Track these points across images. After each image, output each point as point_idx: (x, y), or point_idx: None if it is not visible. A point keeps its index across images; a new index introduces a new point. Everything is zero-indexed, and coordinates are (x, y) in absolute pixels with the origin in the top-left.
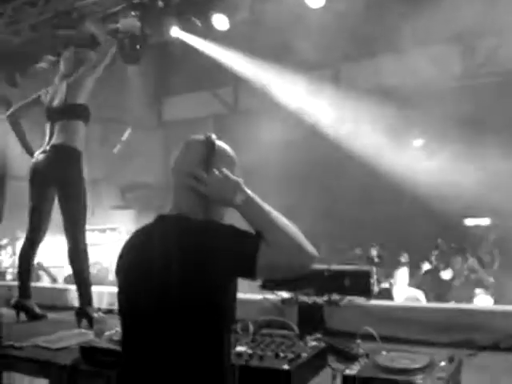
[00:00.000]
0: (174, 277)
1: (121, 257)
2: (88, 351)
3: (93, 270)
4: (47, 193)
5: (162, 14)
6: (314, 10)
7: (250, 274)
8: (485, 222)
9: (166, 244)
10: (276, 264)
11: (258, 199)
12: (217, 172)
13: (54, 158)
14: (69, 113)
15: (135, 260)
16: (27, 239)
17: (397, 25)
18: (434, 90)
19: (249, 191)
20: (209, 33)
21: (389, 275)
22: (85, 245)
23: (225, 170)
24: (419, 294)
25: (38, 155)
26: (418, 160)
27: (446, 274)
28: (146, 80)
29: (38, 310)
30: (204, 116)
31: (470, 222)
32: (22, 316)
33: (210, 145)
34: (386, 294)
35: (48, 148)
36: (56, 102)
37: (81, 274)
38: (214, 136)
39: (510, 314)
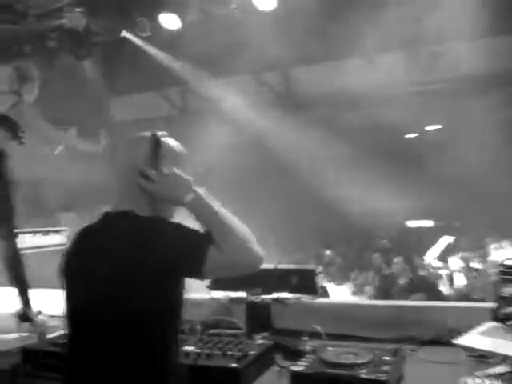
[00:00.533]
0: (122, 277)
1: (67, 257)
2: (31, 354)
3: None
4: None
5: (110, 12)
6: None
7: (198, 274)
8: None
9: (113, 242)
10: (224, 264)
11: (207, 198)
12: (165, 170)
13: None
14: None
15: (86, 258)
16: None
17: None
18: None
19: (199, 190)
20: (158, 33)
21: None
22: (16, 247)
23: (174, 168)
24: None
25: None
26: None
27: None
28: (92, 79)
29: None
30: (152, 117)
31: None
32: None
33: (156, 141)
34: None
35: None
36: None
37: (18, 278)
38: (161, 133)
39: (448, 309)
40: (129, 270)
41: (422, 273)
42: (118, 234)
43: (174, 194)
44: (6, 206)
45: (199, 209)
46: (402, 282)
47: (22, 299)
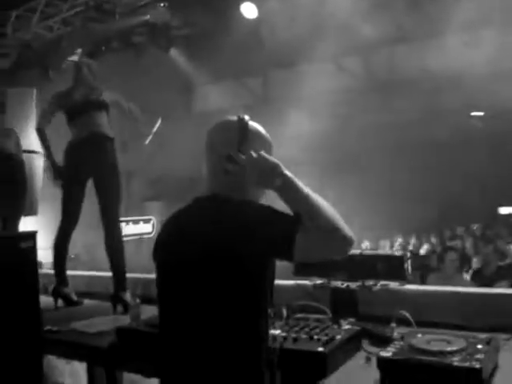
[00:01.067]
0: (212, 259)
1: (160, 239)
2: (125, 334)
3: None
4: (81, 182)
5: (193, 4)
6: None
7: (288, 256)
8: None
9: (204, 225)
10: (314, 247)
11: (297, 181)
12: (254, 153)
13: (88, 147)
14: (90, 105)
15: (176, 241)
16: (61, 228)
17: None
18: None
19: (288, 173)
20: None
21: None
22: (121, 233)
23: (262, 152)
24: None
25: (69, 146)
26: None
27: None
28: (176, 70)
29: (74, 297)
30: (233, 106)
31: None
32: (60, 303)
33: (244, 125)
34: None
35: (79, 139)
36: (87, 96)
37: (117, 262)
38: (246, 117)
39: None
40: (218, 251)
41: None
42: (207, 216)
43: (263, 177)
44: (115, 196)
45: (288, 192)
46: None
47: (118, 282)
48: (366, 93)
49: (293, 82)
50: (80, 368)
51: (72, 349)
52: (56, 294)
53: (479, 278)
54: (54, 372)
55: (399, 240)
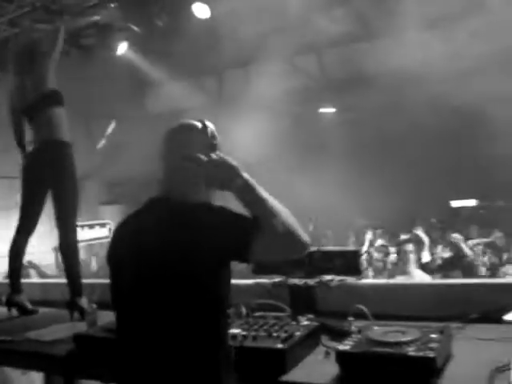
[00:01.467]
0: (168, 261)
1: (113, 243)
2: (82, 340)
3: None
4: (40, 189)
5: (143, 3)
6: None
7: (244, 259)
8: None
9: (160, 227)
10: (270, 249)
11: (255, 183)
12: (215, 155)
13: (46, 155)
14: (47, 101)
15: (130, 244)
16: (17, 235)
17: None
18: None
19: (246, 175)
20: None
21: None
22: (76, 238)
23: (222, 154)
24: None
25: (28, 152)
26: None
27: None
28: (129, 71)
29: (29, 306)
30: (188, 107)
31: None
32: (14, 312)
33: (205, 128)
34: None
35: (37, 145)
36: (28, 97)
37: (72, 268)
38: (206, 121)
39: (497, 286)
40: (173, 257)
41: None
42: (161, 220)
43: (222, 178)
44: (72, 201)
45: (247, 194)
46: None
47: (75, 289)
48: (320, 91)
49: (248, 82)
50: (37, 378)
51: (28, 359)
52: (9, 302)
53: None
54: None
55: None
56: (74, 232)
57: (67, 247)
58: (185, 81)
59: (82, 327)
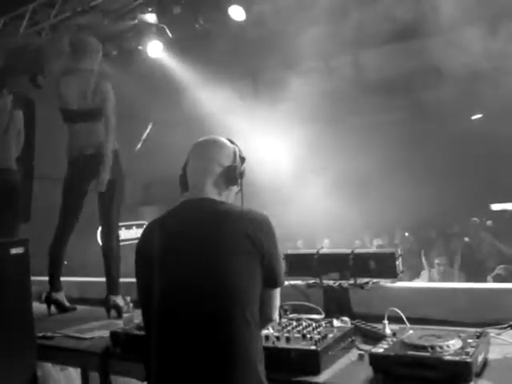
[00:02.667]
0: (215, 265)
1: (146, 242)
2: (119, 338)
3: None
4: (82, 190)
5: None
6: None
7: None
8: None
9: (206, 230)
10: None
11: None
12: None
13: (93, 163)
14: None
15: (166, 245)
16: (57, 234)
17: None
18: None
19: None
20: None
21: None
22: (118, 239)
23: None
24: None
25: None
26: None
27: None
28: (165, 74)
29: (67, 303)
30: (223, 111)
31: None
32: (53, 309)
33: (233, 143)
34: None
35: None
36: (90, 103)
37: (111, 268)
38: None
39: None
40: (225, 258)
41: None
42: (208, 219)
43: None
44: (116, 204)
45: None
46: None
47: (112, 288)
48: (356, 93)
49: (283, 84)
50: (74, 374)
51: (66, 354)
52: (49, 300)
53: None
54: (48, 379)
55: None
56: (116, 233)
57: (109, 248)
58: (220, 84)
59: (118, 325)
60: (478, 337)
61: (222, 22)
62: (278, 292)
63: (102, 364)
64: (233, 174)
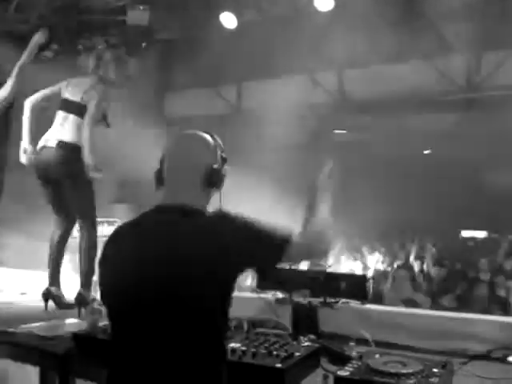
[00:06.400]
0: (181, 273)
1: (109, 247)
2: (81, 340)
3: None
4: (60, 185)
5: (172, 10)
6: None
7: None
8: None
9: (174, 238)
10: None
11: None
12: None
13: (62, 157)
14: (82, 111)
15: (131, 251)
16: (57, 229)
17: None
18: None
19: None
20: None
21: None
22: (95, 236)
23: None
24: None
25: (43, 149)
26: None
27: None
28: (148, 75)
29: (66, 299)
30: (206, 114)
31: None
32: (51, 305)
33: (216, 141)
34: None
35: (56, 143)
36: (79, 97)
37: (88, 263)
38: (215, 134)
39: (501, 324)
40: (191, 267)
41: None
42: (177, 231)
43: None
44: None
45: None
46: None
47: (85, 283)
48: (338, 109)
49: (267, 94)
50: (33, 372)
51: (26, 352)
52: (47, 295)
53: None
54: (7, 376)
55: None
56: (95, 230)
57: (84, 243)
58: (205, 88)
59: (83, 325)
60: (444, 366)
61: (213, 27)
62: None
63: (62, 366)
64: (214, 177)
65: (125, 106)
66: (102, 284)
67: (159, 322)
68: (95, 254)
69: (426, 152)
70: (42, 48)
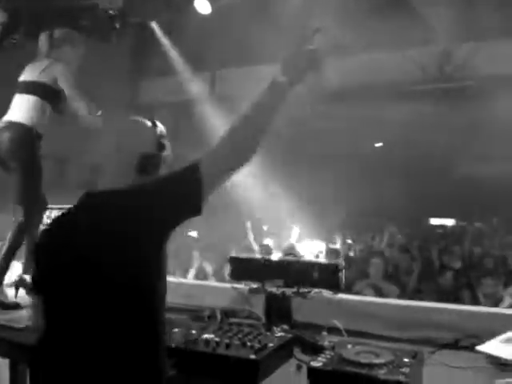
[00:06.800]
0: (101, 244)
1: (42, 235)
2: None
3: None
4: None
5: None
6: None
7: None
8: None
9: (96, 219)
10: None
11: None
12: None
13: (7, 138)
14: (37, 90)
15: (56, 239)
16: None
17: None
18: None
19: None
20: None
21: None
22: (25, 226)
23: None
24: None
25: None
26: None
27: None
28: (121, 60)
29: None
30: (179, 100)
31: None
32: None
33: (159, 129)
34: None
35: (3, 125)
36: (35, 76)
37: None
38: (159, 123)
39: (469, 314)
40: (110, 246)
41: None
42: (91, 213)
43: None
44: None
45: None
46: None
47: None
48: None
49: (241, 82)
50: (2, 364)
51: None
52: (20, 284)
53: None
54: None
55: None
56: (37, 214)
57: (26, 227)
58: (179, 74)
59: None
60: (414, 356)
61: (187, 13)
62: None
63: (32, 357)
64: (147, 164)
65: (97, 91)
66: (33, 272)
67: (86, 303)
68: (17, 244)
69: (383, 143)
70: (7, 32)
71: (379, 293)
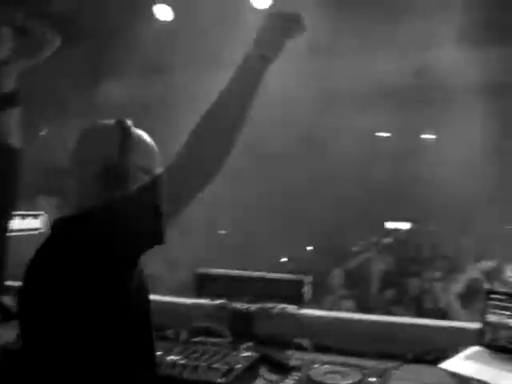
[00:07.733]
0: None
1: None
2: (9, 354)
3: None
4: None
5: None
6: None
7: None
8: None
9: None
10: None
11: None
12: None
13: None
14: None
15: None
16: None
17: None
18: None
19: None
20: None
21: None
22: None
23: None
24: None
25: None
26: None
27: None
28: (78, 60)
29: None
30: (139, 102)
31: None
32: None
33: (124, 131)
34: None
35: None
36: None
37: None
38: (129, 121)
39: (435, 328)
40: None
41: None
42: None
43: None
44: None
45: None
46: None
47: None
48: None
49: (195, 87)
50: None
51: None
52: None
53: None
54: None
55: None
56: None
57: None
58: (132, 77)
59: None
60: (380, 376)
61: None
62: None
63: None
64: (114, 175)
65: (55, 92)
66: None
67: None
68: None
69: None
70: None
71: None
